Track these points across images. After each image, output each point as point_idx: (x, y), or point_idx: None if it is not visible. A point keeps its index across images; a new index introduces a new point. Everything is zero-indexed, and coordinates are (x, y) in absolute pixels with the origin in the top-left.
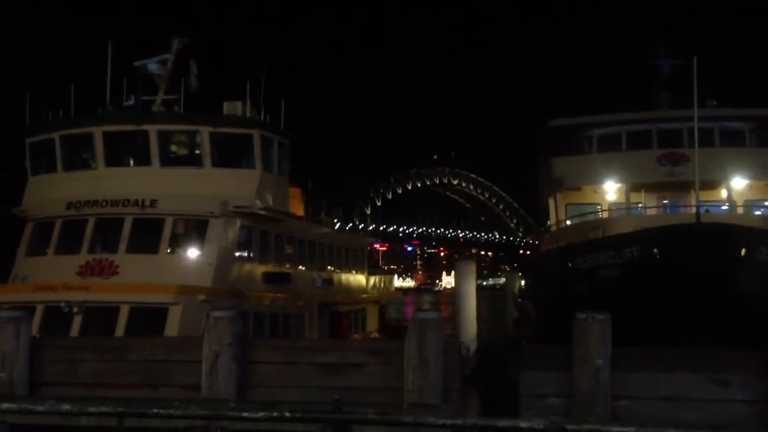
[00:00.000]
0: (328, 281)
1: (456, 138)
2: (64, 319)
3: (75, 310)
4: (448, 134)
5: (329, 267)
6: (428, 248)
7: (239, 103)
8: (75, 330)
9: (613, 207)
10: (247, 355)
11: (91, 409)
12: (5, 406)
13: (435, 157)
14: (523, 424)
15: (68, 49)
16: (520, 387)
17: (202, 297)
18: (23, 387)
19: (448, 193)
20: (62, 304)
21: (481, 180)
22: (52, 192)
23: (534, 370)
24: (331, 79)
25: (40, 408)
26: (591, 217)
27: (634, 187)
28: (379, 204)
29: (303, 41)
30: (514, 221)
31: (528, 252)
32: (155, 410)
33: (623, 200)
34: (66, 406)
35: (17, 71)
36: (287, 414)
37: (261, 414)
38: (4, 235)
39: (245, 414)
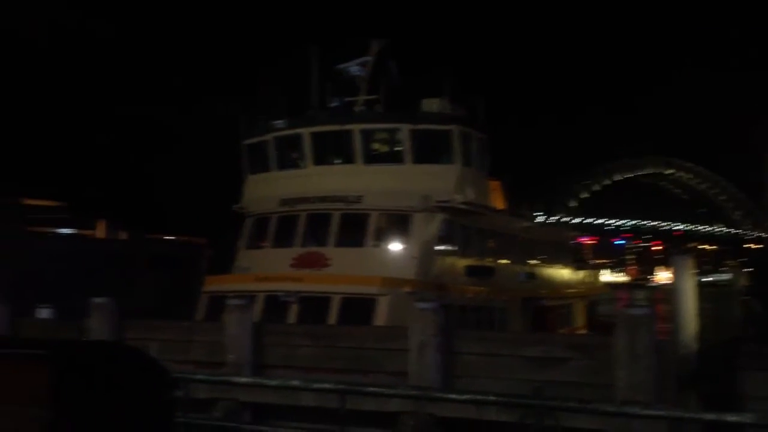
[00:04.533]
0: (531, 275)
1: (669, 122)
2: (281, 308)
3: (291, 299)
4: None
5: (531, 261)
6: (640, 242)
7: (437, 100)
8: (292, 317)
9: None
10: (451, 345)
11: (316, 385)
12: (242, 380)
13: (649, 145)
14: (731, 418)
15: (274, 55)
16: (743, 388)
17: (407, 289)
18: (249, 368)
19: (662, 183)
20: (280, 294)
21: (700, 169)
22: (267, 190)
23: (759, 370)
24: (530, 69)
25: (273, 383)
26: None
27: None
28: (585, 197)
29: (501, 32)
30: (739, 213)
31: (756, 246)
32: (372, 389)
33: None
34: (294, 382)
35: (231, 79)
36: (491, 398)
37: (466, 397)
38: (225, 230)
39: (452, 396)
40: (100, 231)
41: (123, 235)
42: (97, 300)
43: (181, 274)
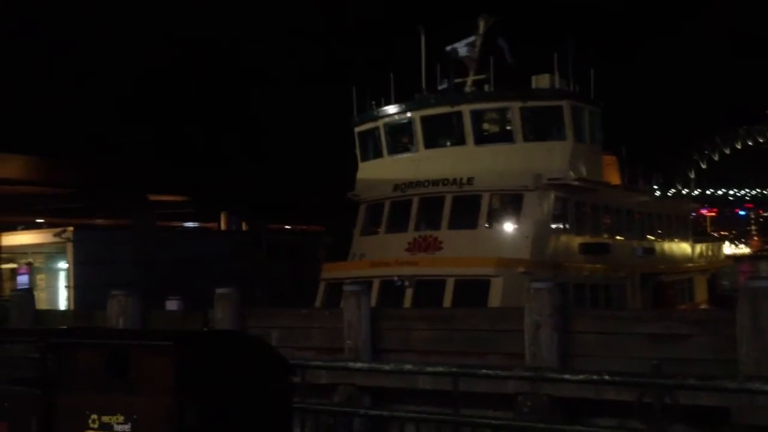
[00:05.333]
0: (650, 250)
1: None
2: (397, 292)
3: (407, 283)
4: None
5: (649, 236)
6: (764, 211)
7: (548, 76)
8: (407, 301)
9: None
10: (567, 324)
11: (428, 369)
12: (358, 365)
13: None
14: None
15: (381, 39)
16: None
17: (521, 269)
18: (367, 353)
19: None
20: (395, 279)
21: None
22: (379, 175)
23: None
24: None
25: (386, 368)
26: None
27: None
28: (704, 167)
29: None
30: None
31: None
32: (484, 371)
33: None
34: (408, 366)
35: (342, 68)
36: (607, 378)
37: (581, 377)
38: (342, 217)
39: (566, 376)
40: (222, 223)
41: (244, 227)
42: (221, 290)
43: (301, 263)
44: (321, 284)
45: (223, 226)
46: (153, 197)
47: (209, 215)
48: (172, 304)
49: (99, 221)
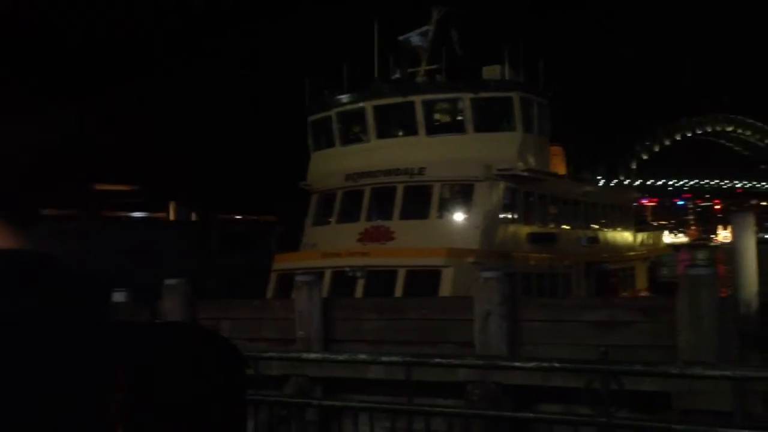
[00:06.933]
0: (594, 240)
1: (729, 81)
2: (349, 283)
3: (358, 274)
4: (720, 77)
5: (594, 225)
6: (701, 201)
7: (498, 67)
8: (359, 292)
9: None
10: (516, 313)
11: (383, 359)
12: (311, 356)
13: (707, 104)
14: None
15: (336, 29)
16: None
17: (471, 259)
18: (318, 343)
19: (722, 141)
20: (347, 269)
21: (760, 125)
22: (331, 165)
23: None
24: (589, 31)
25: (341, 358)
26: None
27: None
28: (645, 158)
29: None
30: None
31: None
32: (438, 360)
33: None
34: (362, 356)
35: (293, 56)
36: (557, 365)
37: (532, 365)
38: (294, 208)
39: (517, 364)
40: (171, 213)
41: (193, 217)
42: (170, 282)
43: (253, 253)
44: (272, 275)
45: (172, 217)
46: (99, 187)
47: (158, 205)
48: (119, 296)
49: (42, 211)
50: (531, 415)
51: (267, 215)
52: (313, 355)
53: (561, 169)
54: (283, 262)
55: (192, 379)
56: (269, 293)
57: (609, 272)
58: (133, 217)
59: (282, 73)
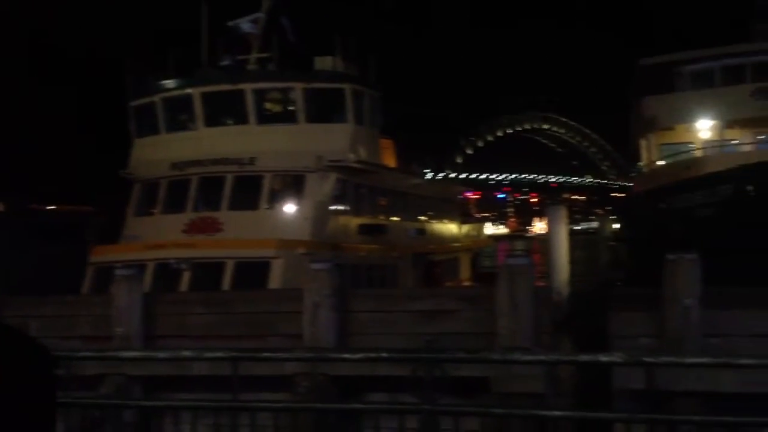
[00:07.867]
0: (421, 231)
1: (546, 82)
2: (173, 276)
3: (183, 266)
4: (537, 79)
5: (422, 217)
6: (520, 195)
7: (330, 58)
8: (184, 285)
9: (706, 145)
10: (345, 304)
11: (208, 355)
12: (130, 354)
13: (525, 102)
14: (603, 359)
15: (163, 11)
16: (610, 328)
17: (301, 250)
18: (139, 340)
19: (538, 138)
20: (171, 262)
21: (573, 124)
22: (156, 153)
23: (624, 311)
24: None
25: (161, 355)
26: (684, 157)
27: (728, 123)
28: (470, 152)
29: None
30: (607, 164)
31: (621, 195)
32: (266, 354)
33: (717, 138)
34: (186, 352)
35: (114, 35)
36: (384, 355)
37: (359, 356)
38: (115, 197)
39: (346, 356)
40: None
41: (2, 207)
42: None
43: (70, 245)
44: (89, 268)
45: None
46: None
47: None
48: None
49: None
50: (358, 405)
51: (85, 206)
52: (131, 353)
53: (391, 161)
54: (102, 255)
55: None
56: (85, 288)
57: (435, 263)
58: None
59: (100, 54)
